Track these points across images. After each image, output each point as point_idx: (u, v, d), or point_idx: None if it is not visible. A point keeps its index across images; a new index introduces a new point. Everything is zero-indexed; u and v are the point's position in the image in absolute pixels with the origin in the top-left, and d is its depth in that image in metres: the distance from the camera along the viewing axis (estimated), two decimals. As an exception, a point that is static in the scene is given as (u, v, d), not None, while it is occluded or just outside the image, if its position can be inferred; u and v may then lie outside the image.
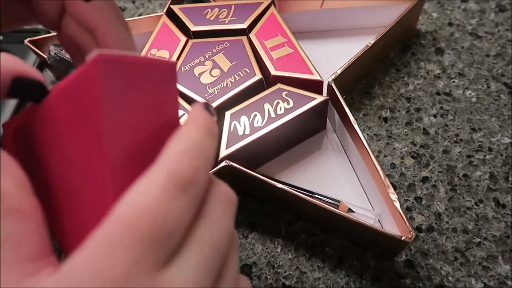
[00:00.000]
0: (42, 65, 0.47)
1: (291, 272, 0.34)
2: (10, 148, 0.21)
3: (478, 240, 0.34)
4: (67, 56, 0.42)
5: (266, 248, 0.36)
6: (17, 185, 0.16)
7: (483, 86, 0.42)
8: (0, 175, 0.16)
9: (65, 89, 0.18)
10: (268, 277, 0.34)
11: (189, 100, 0.37)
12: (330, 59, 0.42)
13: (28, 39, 0.42)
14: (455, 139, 0.39)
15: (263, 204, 0.38)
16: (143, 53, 0.41)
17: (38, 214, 0.16)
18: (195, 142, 0.17)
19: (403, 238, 0.30)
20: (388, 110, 0.42)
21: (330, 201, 0.35)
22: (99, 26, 0.21)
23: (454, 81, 0.43)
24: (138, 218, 0.15)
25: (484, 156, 0.38)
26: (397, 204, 0.31)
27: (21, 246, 0.16)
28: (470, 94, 0.42)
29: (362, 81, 0.44)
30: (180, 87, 0.38)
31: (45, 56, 0.42)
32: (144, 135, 0.18)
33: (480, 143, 0.39)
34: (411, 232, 0.30)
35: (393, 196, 0.31)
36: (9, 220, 0.16)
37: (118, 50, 0.17)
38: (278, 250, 0.35)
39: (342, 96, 0.37)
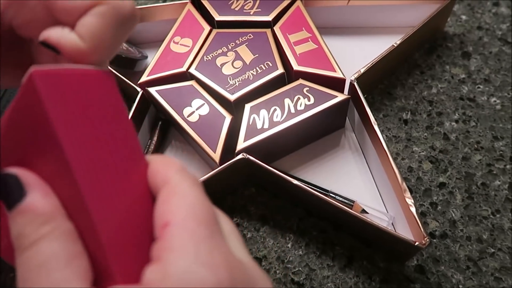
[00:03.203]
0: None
1: (300, 269, 0.35)
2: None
3: (492, 250, 0.34)
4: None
5: (277, 243, 0.36)
6: (58, 208, 0.17)
7: (508, 94, 0.41)
8: (40, 196, 0.16)
9: (13, 110, 0.17)
10: (277, 271, 0.35)
11: (211, 91, 0.37)
12: (354, 56, 0.42)
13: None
14: (476, 146, 0.39)
15: (277, 198, 0.38)
16: (167, 39, 0.41)
17: (78, 238, 0.17)
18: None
19: (416, 243, 0.29)
20: (409, 113, 0.41)
21: (345, 200, 0.35)
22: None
23: (479, 87, 0.42)
24: (197, 214, 0.17)
25: (505, 165, 0.38)
26: (413, 209, 0.31)
27: (78, 266, 0.16)
28: (495, 101, 0.41)
29: (384, 81, 0.43)
30: (201, 77, 0.38)
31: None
32: (103, 146, 0.18)
33: (501, 152, 0.38)
34: (425, 238, 0.29)
35: (410, 201, 0.31)
36: (65, 240, 0.16)
37: (55, 65, 0.17)
38: (289, 245, 0.36)
39: (363, 95, 0.37)
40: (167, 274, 0.15)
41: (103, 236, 0.16)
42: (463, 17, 0.47)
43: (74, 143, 0.16)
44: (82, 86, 0.17)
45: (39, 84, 0.15)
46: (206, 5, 0.42)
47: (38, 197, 0.16)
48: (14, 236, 0.16)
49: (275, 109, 0.36)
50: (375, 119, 0.35)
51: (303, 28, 0.40)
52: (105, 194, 0.17)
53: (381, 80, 0.43)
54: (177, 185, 0.18)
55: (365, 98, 0.37)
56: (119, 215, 0.18)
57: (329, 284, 0.34)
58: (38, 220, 0.16)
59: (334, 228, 0.36)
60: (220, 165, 0.34)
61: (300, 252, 0.35)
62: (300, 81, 0.37)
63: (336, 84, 0.37)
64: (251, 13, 0.41)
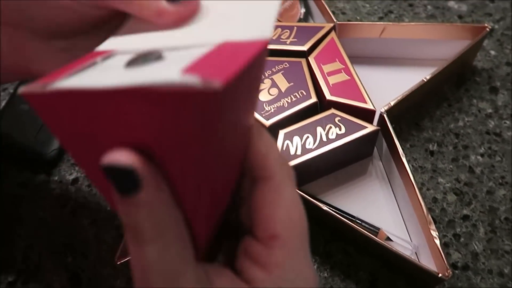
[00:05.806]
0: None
1: (324, 290, 0.36)
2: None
3: (513, 284, 0.35)
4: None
5: (303, 264, 0.37)
6: (171, 202, 0.17)
7: (535, 131, 0.42)
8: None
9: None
10: (303, 291, 0.36)
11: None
12: (384, 86, 0.43)
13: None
14: (500, 181, 0.40)
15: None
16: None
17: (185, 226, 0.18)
18: None
19: (440, 275, 0.31)
20: (436, 144, 0.43)
21: (370, 227, 0.37)
22: None
23: (505, 122, 0.43)
24: (302, 233, 0.20)
25: (529, 201, 0.39)
26: (437, 241, 0.32)
27: (190, 248, 0.17)
28: (521, 137, 0.42)
29: (412, 111, 0.45)
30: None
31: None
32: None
33: (525, 188, 0.39)
34: (448, 270, 0.31)
35: (434, 233, 0.32)
36: (182, 241, 0.17)
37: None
38: (315, 267, 0.37)
39: (391, 125, 0.38)
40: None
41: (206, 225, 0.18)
42: (492, 52, 0.48)
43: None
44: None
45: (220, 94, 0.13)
46: (245, 33, 0.44)
47: (153, 192, 0.15)
48: (128, 224, 0.16)
49: (307, 137, 0.38)
50: (402, 149, 0.37)
51: (337, 59, 0.42)
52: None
53: (410, 111, 0.45)
54: (282, 188, 0.20)
55: (393, 128, 0.38)
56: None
57: (352, 307, 0.35)
58: (155, 218, 0.16)
59: (358, 252, 0.38)
60: (254, 187, 0.36)
61: (325, 275, 0.37)
62: (332, 110, 0.39)
63: (367, 114, 0.39)
64: (288, 42, 0.43)
